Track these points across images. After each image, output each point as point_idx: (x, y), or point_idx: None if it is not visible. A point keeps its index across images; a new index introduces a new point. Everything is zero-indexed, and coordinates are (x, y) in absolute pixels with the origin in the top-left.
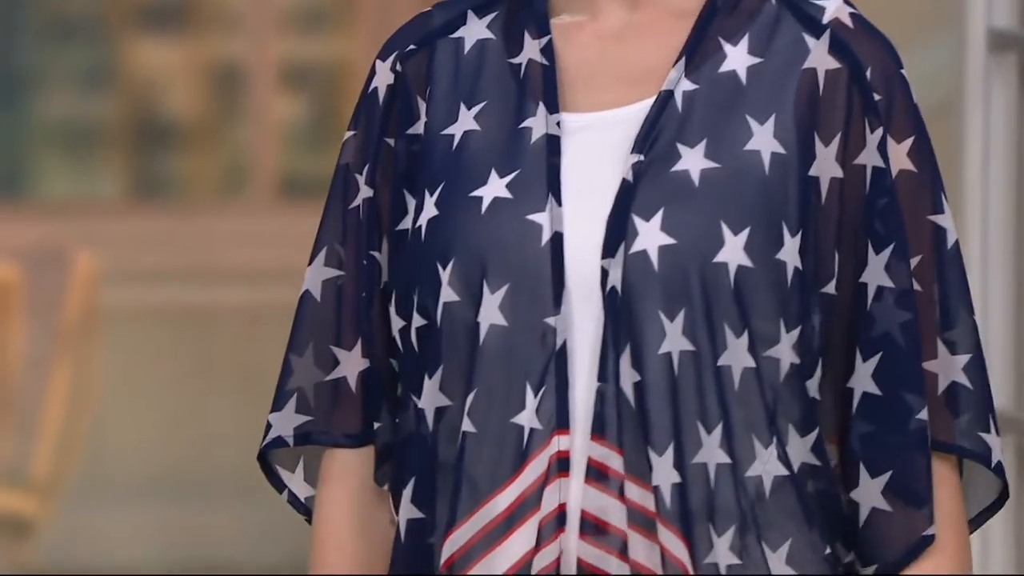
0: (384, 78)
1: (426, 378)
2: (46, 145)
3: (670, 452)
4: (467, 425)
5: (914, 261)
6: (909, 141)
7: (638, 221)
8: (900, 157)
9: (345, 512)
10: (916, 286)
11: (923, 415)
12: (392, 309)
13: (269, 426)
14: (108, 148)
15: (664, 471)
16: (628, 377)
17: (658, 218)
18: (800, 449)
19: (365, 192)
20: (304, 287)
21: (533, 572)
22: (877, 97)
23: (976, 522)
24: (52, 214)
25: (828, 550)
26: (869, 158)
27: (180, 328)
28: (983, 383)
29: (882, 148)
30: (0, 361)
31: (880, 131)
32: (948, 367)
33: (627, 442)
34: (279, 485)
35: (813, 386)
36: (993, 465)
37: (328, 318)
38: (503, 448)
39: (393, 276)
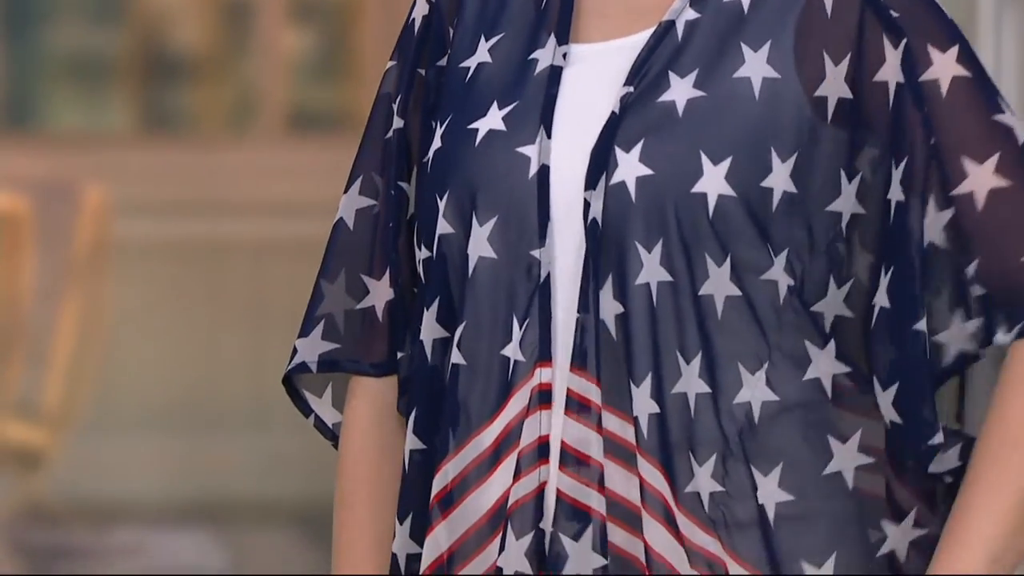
0: (420, 9)
1: (424, 310)
2: (56, 77)
3: (648, 383)
4: (457, 357)
5: (991, 161)
6: (954, 49)
7: (619, 153)
8: (949, 65)
9: (370, 433)
10: (1003, 182)
11: (920, 326)
12: (415, 241)
13: (295, 351)
14: (118, 80)
15: (643, 402)
16: (609, 308)
17: (638, 149)
18: (825, 364)
19: (397, 123)
20: (338, 215)
21: (510, 503)
22: (895, 14)
23: None
24: (62, 146)
25: (836, 466)
26: (892, 75)
27: (189, 260)
28: None
29: (908, 63)
30: (10, 294)
31: (903, 46)
32: None
33: (605, 373)
34: (306, 410)
35: (830, 306)
36: None
37: (360, 247)
38: (491, 380)
39: (414, 207)
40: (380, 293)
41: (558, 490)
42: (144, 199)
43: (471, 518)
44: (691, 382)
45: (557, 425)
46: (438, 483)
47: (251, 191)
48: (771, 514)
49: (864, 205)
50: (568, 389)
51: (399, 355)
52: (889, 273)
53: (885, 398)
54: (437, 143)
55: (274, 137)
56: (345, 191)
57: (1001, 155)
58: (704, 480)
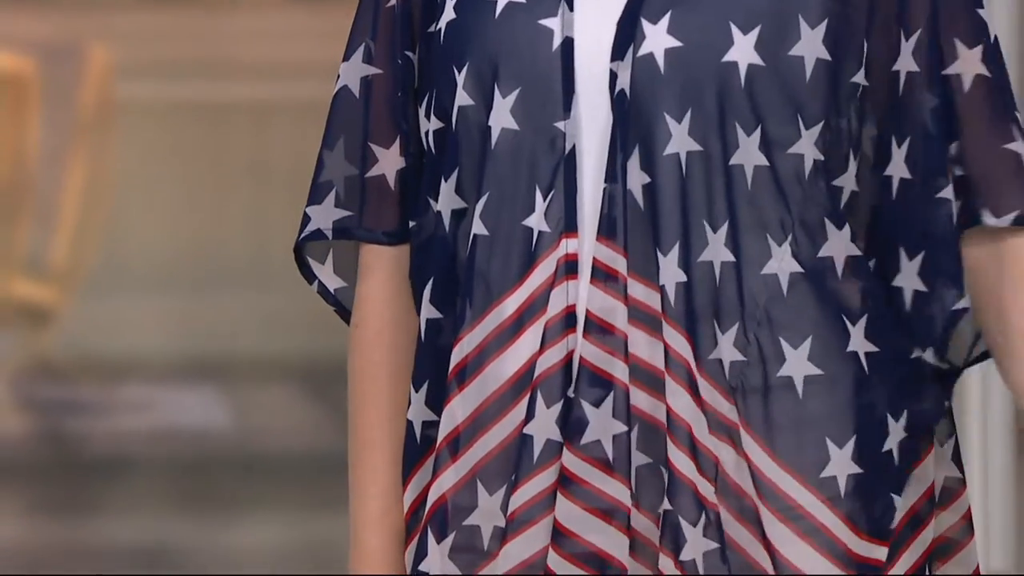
0: None
1: (443, 181)
2: None
3: (676, 251)
4: (479, 228)
5: (979, 48)
6: None
7: (646, 24)
8: None
9: (389, 304)
10: (986, 71)
11: (946, 193)
12: (421, 111)
13: (307, 219)
14: None
15: (670, 270)
16: (636, 178)
17: (665, 21)
18: (838, 243)
19: None
20: (340, 83)
21: (537, 373)
22: None
23: None
24: (66, 7)
25: (852, 346)
26: None
27: (194, 121)
28: None
29: None
30: (16, 154)
31: None
32: None
33: (632, 243)
34: (309, 276)
35: (848, 181)
36: None
37: (364, 114)
38: (513, 250)
39: (421, 78)
40: (390, 162)
41: (581, 358)
42: (149, 60)
43: (491, 386)
44: (717, 251)
45: (584, 295)
46: (456, 355)
47: (256, 52)
48: (799, 385)
49: (869, 77)
50: (594, 259)
51: (411, 224)
52: (905, 144)
53: (910, 268)
54: (450, 14)
55: None
56: (345, 59)
57: (983, 48)
58: (727, 348)
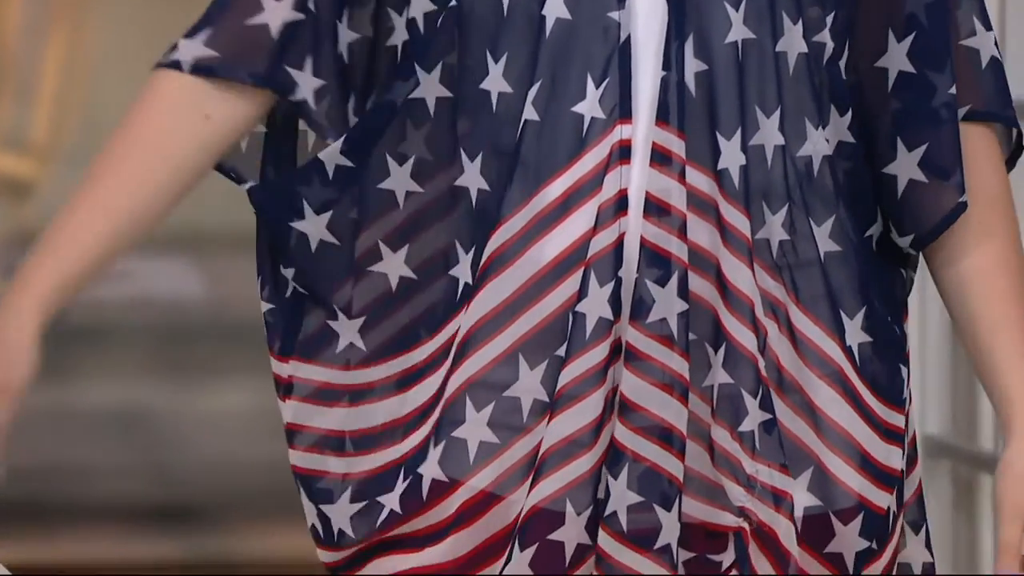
0: None
1: (492, 63)
2: None
3: (738, 136)
4: (530, 113)
5: None
6: None
7: None
8: None
9: (200, 101)
10: None
11: (951, 90)
12: None
13: (175, 47)
14: None
15: (732, 154)
16: (692, 66)
17: None
18: (839, 127)
19: None
20: None
21: (591, 253)
22: None
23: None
24: None
25: (861, 225)
26: None
27: (168, 1)
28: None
29: None
30: None
31: None
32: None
33: (690, 128)
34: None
35: (844, 66)
36: (1017, 131)
37: None
38: (561, 136)
39: None
40: (276, 14)
41: (642, 237)
42: None
43: (530, 269)
44: (770, 135)
45: (637, 178)
46: (492, 244)
47: None
48: (825, 261)
49: None
50: (653, 143)
51: (297, 76)
52: (909, 39)
53: (911, 159)
54: None
55: None
56: None
57: None
58: (776, 228)
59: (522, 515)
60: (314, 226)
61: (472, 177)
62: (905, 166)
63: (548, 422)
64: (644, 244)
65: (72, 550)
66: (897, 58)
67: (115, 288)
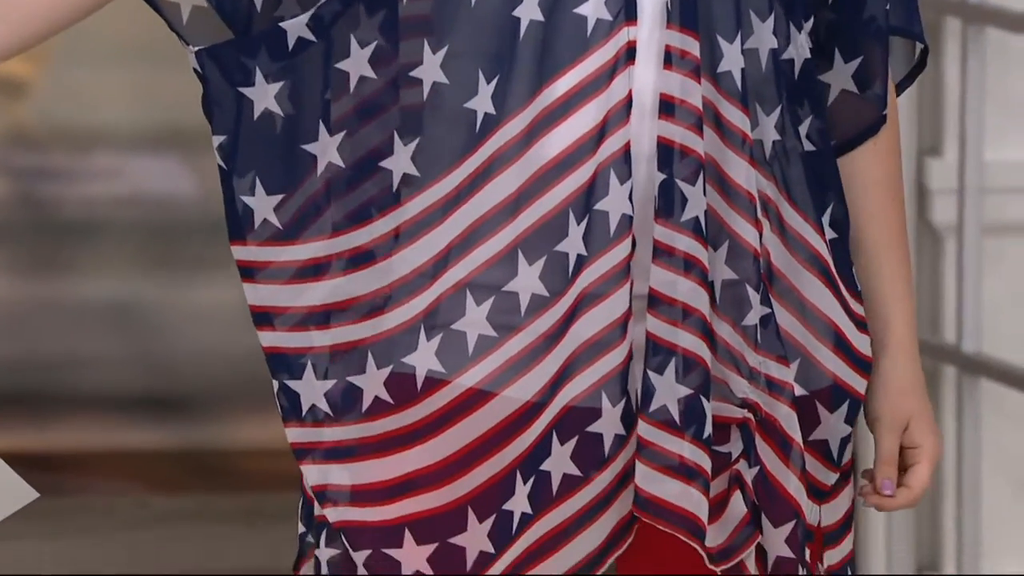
0: None
1: None
2: None
3: (738, 39)
4: (533, 13)
5: None
6: None
7: None
8: None
9: None
10: None
11: (878, 7)
12: None
13: None
14: None
15: (734, 57)
16: None
17: None
18: (803, 46)
19: None
20: None
21: (607, 153)
22: None
23: (901, 87)
24: None
25: (820, 128)
26: None
27: None
28: None
29: None
30: None
31: None
32: None
33: (700, 30)
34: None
35: None
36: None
37: None
38: (564, 37)
39: None
40: None
41: (659, 137)
42: None
43: (533, 166)
44: (764, 38)
45: (648, 79)
46: (496, 141)
47: None
48: (804, 158)
49: None
50: (667, 45)
51: None
52: None
53: (846, 70)
54: None
55: None
56: None
57: None
58: (769, 129)
59: (555, 416)
60: (262, 94)
61: (430, 69)
62: (840, 76)
63: (569, 324)
64: (668, 144)
65: (65, 439)
66: None
67: (107, 185)
